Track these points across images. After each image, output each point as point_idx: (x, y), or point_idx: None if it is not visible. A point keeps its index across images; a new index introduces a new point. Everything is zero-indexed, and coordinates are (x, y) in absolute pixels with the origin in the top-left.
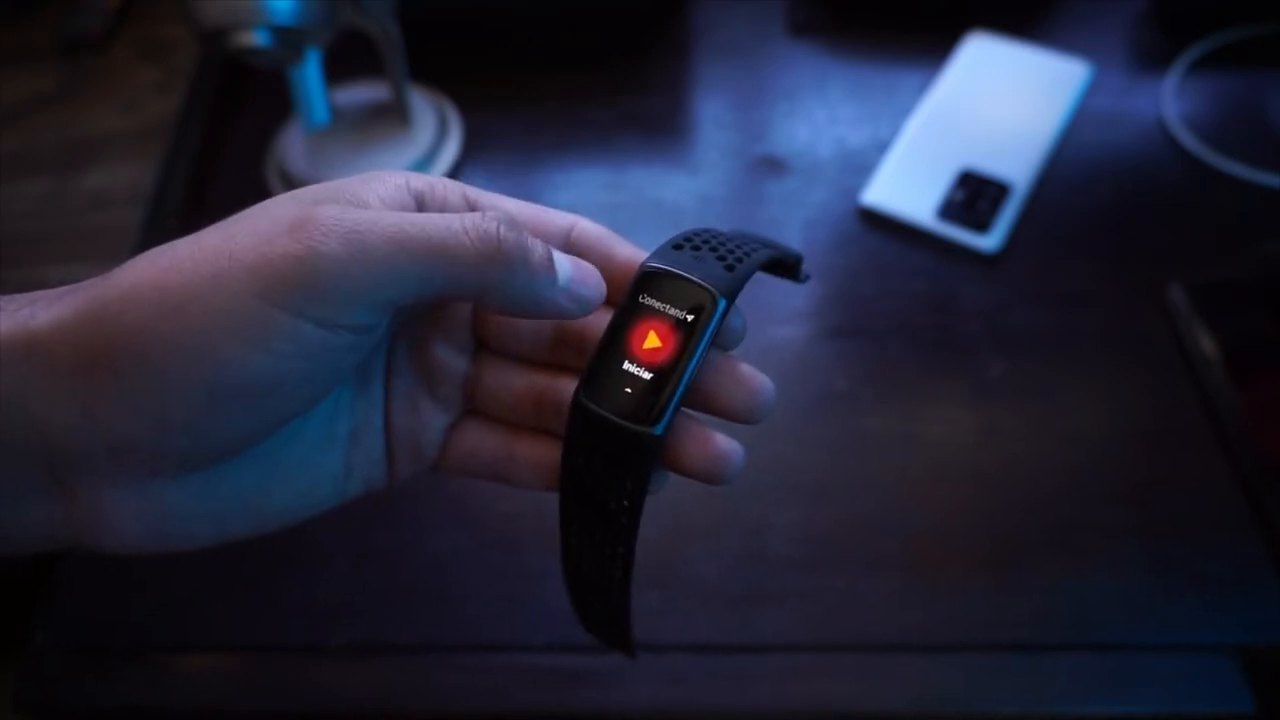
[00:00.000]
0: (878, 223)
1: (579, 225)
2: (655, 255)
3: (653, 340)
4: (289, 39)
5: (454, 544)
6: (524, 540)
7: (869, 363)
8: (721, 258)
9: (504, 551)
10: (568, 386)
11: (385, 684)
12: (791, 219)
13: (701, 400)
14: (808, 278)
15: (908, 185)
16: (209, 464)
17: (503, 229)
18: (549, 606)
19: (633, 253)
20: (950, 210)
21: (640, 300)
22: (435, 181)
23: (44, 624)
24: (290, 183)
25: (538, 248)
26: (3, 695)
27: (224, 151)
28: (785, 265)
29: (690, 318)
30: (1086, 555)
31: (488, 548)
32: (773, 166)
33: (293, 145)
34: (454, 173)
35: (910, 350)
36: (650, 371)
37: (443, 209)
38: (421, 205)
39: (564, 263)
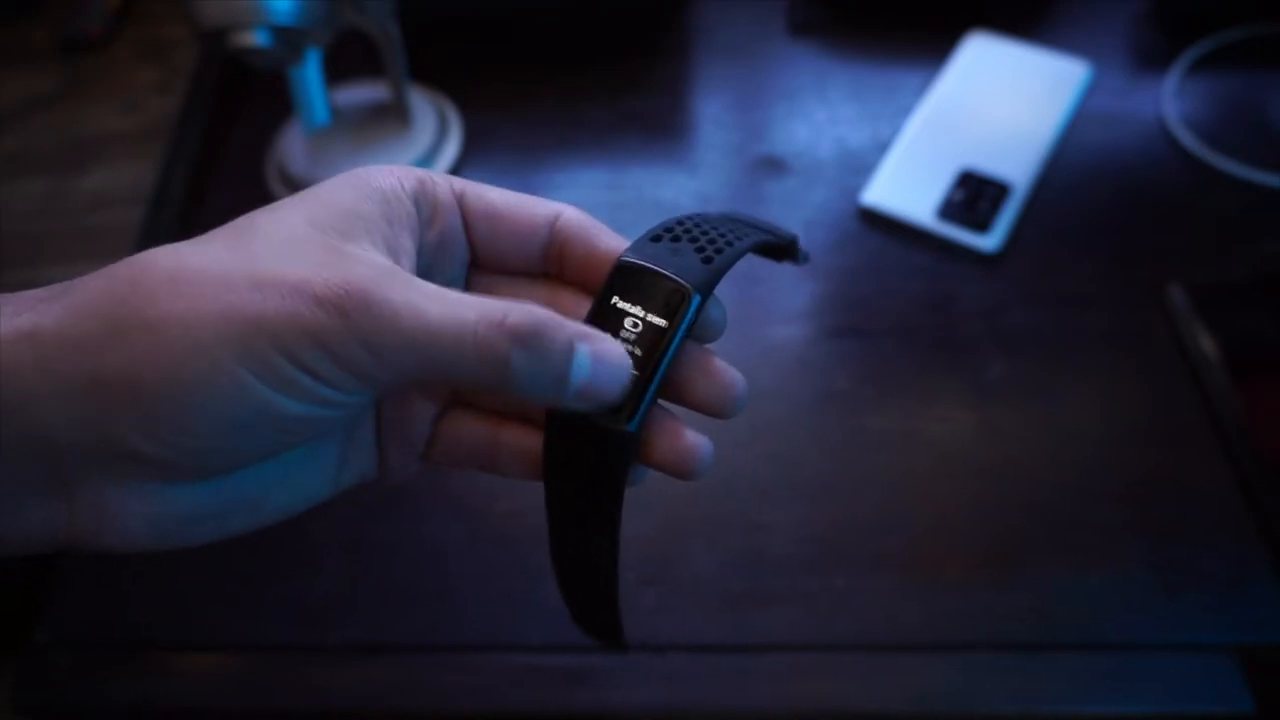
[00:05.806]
0: (878, 223)
1: (564, 214)
2: (632, 248)
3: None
4: (289, 39)
5: (452, 543)
6: (521, 537)
7: (869, 362)
8: (701, 249)
9: (501, 548)
10: None
11: (383, 683)
12: (791, 219)
13: (674, 392)
14: (808, 258)
15: (908, 185)
16: (222, 475)
17: (515, 353)
18: (546, 605)
19: (616, 244)
20: (950, 210)
21: (613, 295)
22: (426, 178)
23: (44, 623)
24: (290, 182)
25: (554, 354)
26: (3, 695)
27: (224, 151)
28: (780, 249)
29: (662, 314)
30: (1086, 554)
31: (485, 545)
32: (773, 166)
33: (293, 145)
34: (453, 173)
35: (910, 350)
36: None
37: (434, 206)
38: (417, 204)
39: (583, 363)
